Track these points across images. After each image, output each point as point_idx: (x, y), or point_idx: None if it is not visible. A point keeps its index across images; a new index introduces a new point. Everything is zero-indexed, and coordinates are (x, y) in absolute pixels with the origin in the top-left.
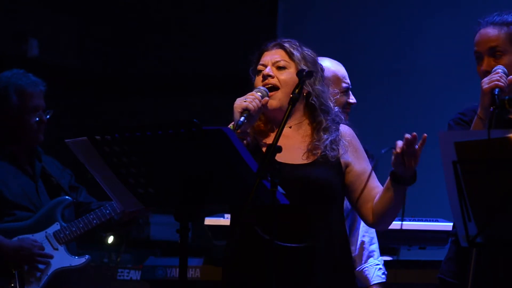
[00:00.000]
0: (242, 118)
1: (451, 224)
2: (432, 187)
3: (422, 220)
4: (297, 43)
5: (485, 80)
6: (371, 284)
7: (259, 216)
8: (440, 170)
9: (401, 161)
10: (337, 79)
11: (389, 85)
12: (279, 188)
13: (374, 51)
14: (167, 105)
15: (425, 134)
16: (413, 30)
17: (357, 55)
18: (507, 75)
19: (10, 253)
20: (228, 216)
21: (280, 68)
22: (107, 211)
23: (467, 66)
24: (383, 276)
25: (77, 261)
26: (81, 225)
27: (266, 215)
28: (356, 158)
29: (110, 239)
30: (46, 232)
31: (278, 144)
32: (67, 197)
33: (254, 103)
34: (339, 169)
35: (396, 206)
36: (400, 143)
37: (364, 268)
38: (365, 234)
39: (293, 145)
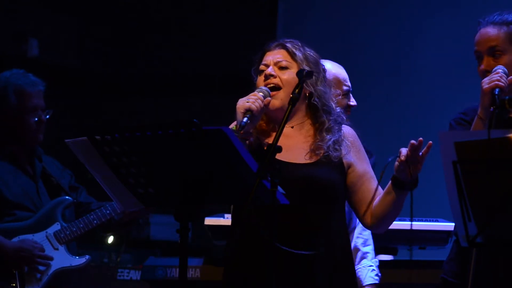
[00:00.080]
0: (245, 119)
1: (451, 224)
2: (432, 187)
3: (422, 220)
4: (300, 44)
5: (485, 80)
6: (364, 285)
7: (261, 216)
8: (440, 170)
9: (404, 168)
10: (338, 82)
11: (389, 85)
12: (279, 188)
13: (374, 51)
14: (167, 105)
15: (431, 142)
16: (413, 30)
17: (357, 55)
18: (507, 75)
19: (11, 253)
20: (228, 216)
21: (282, 68)
22: (108, 211)
23: (467, 66)
24: (376, 277)
25: (78, 261)
26: (81, 225)
27: (269, 215)
28: (358, 159)
29: (110, 239)
30: (46, 232)
31: (280, 144)
32: (67, 197)
33: (256, 104)
34: (341, 169)
35: (396, 210)
36: (404, 151)
37: (357, 269)
38: (359, 235)
39: (296, 145)
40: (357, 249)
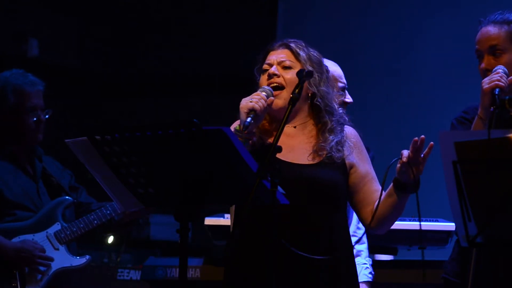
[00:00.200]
0: (249, 119)
1: (451, 224)
2: (432, 187)
3: (422, 220)
4: (303, 44)
5: (486, 80)
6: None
7: (264, 216)
8: (440, 170)
9: (406, 169)
10: (333, 79)
11: (389, 85)
12: (279, 188)
13: (374, 51)
14: (167, 105)
15: (432, 143)
16: (413, 30)
17: (357, 55)
18: (508, 75)
19: (11, 254)
20: (228, 216)
21: (285, 67)
22: (108, 212)
23: (467, 66)
24: (370, 275)
25: (78, 261)
26: (81, 225)
27: (274, 215)
28: (360, 160)
29: (110, 239)
30: (47, 232)
31: (283, 143)
32: (67, 197)
33: (260, 103)
34: (344, 170)
35: (397, 212)
36: (406, 153)
37: None
38: (354, 234)
39: (298, 145)
40: None
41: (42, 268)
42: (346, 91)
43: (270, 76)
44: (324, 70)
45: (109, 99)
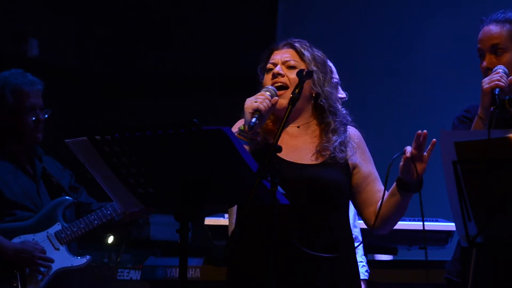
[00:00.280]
0: (253, 119)
1: (451, 224)
2: (432, 187)
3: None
4: (308, 44)
5: (486, 80)
6: None
7: (263, 215)
8: (440, 170)
9: (409, 167)
10: None
11: (389, 85)
12: (279, 188)
13: (374, 51)
14: (167, 105)
15: (434, 140)
16: (413, 30)
17: (357, 55)
18: (508, 75)
19: (11, 254)
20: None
21: (290, 67)
22: (108, 212)
23: (467, 66)
24: (366, 273)
25: (79, 261)
26: (82, 225)
27: (274, 215)
28: (363, 160)
29: (110, 239)
30: (47, 232)
31: (287, 143)
32: (68, 197)
33: (264, 104)
34: (347, 170)
35: (400, 211)
36: (409, 148)
37: None
38: None
39: (302, 145)
40: None
41: (42, 269)
42: (339, 87)
43: (275, 75)
44: (328, 71)
45: (109, 99)
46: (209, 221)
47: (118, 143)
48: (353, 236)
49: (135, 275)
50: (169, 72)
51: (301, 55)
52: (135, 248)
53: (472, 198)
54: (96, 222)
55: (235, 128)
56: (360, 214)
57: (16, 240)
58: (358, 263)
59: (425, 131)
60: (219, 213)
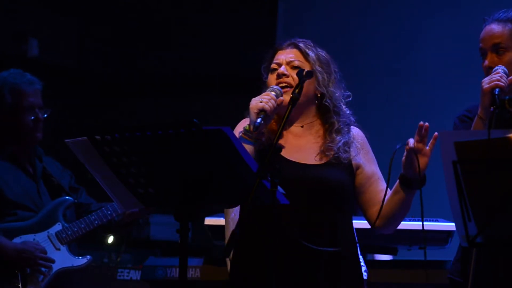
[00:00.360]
0: (259, 119)
1: (451, 224)
2: (432, 187)
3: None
4: (312, 43)
5: (485, 80)
6: None
7: (264, 214)
8: (440, 170)
9: (411, 161)
10: None
11: (389, 85)
12: (279, 188)
13: (374, 51)
14: (167, 105)
15: (436, 133)
16: (413, 30)
17: (357, 55)
18: (508, 75)
19: (13, 254)
20: None
21: (294, 67)
22: (109, 212)
23: (467, 66)
24: (365, 273)
25: (79, 261)
26: (82, 226)
27: (274, 215)
28: (366, 161)
29: (110, 239)
30: (48, 232)
31: (291, 143)
32: (68, 197)
33: (270, 104)
34: (350, 170)
35: (403, 209)
36: (411, 140)
37: None
38: None
39: (306, 145)
40: None
41: (43, 269)
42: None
43: (279, 76)
44: (333, 71)
45: (109, 99)
46: (209, 221)
47: (118, 143)
48: None
49: (135, 275)
50: (169, 72)
51: (305, 55)
52: (135, 248)
53: (472, 198)
54: (96, 222)
55: (239, 128)
56: (364, 214)
57: (17, 240)
58: None
59: (427, 123)
60: (219, 213)
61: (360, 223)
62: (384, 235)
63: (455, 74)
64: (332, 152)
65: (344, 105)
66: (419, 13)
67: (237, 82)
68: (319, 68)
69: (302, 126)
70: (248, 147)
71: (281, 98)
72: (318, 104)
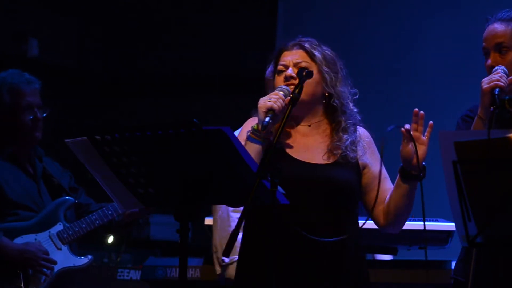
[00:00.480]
0: (267, 118)
1: (451, 224)
2: (432, 187)
3: (422, 220)
4: (317, 42)
5: (485, 80)
6: None
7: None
8: (440, 170)
9: (409, 149)
10: None
11: (389, 85)
12: (279, 188)
13: (374, 51)
14: (167, 105)
15: (431, 122)
16: (413, 30)
17: (357, 55)
18: (508, 75)
19: (14, 254)
20: None
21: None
22: (109, 212)
23: (467, 66)
24: None
25: (81, 261)
26: (83, 225)
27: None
28: (373, 160)
29: (110, 239)
30: (49, 232)
31: (298, 143)
32: (69, 197)
33: (278, 103)
34: (357, 170)
35: (407, 204)
36: (408, 125)
37: None
38: None
39: (313, 144)
40: None
41: (45, 270)
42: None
43: (287, 78)
44: (339, 68)
45: (109, 99)
46: (209, 221)
47: (118, 143)
48: None
49: (135, 275)
50: (169, 72)
51: (311, 56)
52: (135, 248)
53: (472, 198)
54: (97, 222)
55: (247, 127)
56: (370, 213)
57: (19, 240)
58: None
59: (422, 112)
60: None
61: (360, 224)
62: (383, 235)
63: (455, 74)
64: (339, 151)
65: (351, 102)
66: (419, 13)
67: (237, 82)
68: (326, 69)
69: (309, 126)
70: (256, 146)
71: (289, 97)
72: (325, 103)
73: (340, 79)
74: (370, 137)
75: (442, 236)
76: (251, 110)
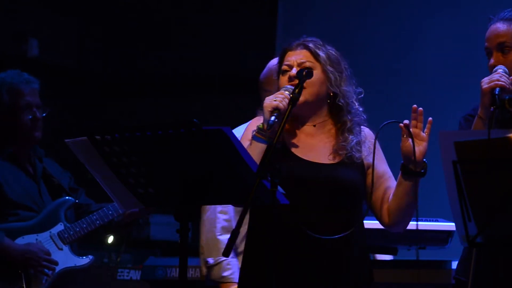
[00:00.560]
0: (273, 118)
1: (451, 224)
2: (432, 187)
3: (422, 220)
4: (321, 42)
5: (485, 79)
6: None
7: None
8: (440, 170)
9: (408, 146)
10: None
11: (389, 85)
12: (279, 188)
13: (374, 51)
14: (167, 105)
15: (430, 118)
16: (413, 30)
17: (357, 55)
18: (508, 75)
19: (16, 255)
20: None
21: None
22: (110, 212)
23: (467, 66)
24: None
25: (82, 261)
26: (84, 226)
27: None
28: (377, 160)
29: (110, 239)
30: (50, 232)
31: (304, 142)
32: (69, 198)
33: (284, 102)
34: (362, 170)
35: (410, 202)
36: (407, 120)
37: None
38: None
39: (318, 144)
40: None
41: (46, 271)
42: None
43: (291, 79)
44: (343, 68)
45: (109, 99)
46: None
47: (118, 143)
48: None
49: (135, 275)
50: (169, 72)
51: (315, 56)
52: (135, 248)
53: (472, 198)
54: (98, 222)
55: (252, 126)
56: (374, 212)
57: (20, 240)
58: None
59: (420, 108)
60: None
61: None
62: (383, 235)
63: (455, 74)
64: (345, 152)
65: (356, 101)
66: (419, 13)
67: (237, 82)
68: (330, 68)
69: (314, 125)
70: (262, 146)
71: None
72: (330, 103)
73: (345, 79)
74: (374, 137)
75: (442, 236)
76: (251, 110)
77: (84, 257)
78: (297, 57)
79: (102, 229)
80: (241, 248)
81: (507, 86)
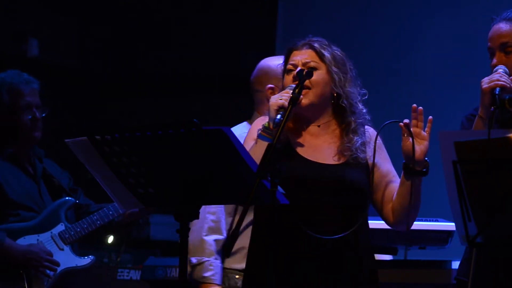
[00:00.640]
0: (278, 116)
1: (451, 224)
2: (432, 187)
3: (422, 220)
4: (326, 42)
5: (485, 79)
6: None
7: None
8: (440, 170)
9: (409, 145)
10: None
11: (389, 85)
12: (279, 188)
13: (374, 51)
14: (167, 105)
15: (431, 117)
16: (413, 30)
17: (357, 55)
18: (508, 75)
19: (18, 255)
20: None
21: (311, 68)
22: (110, 212)
23: (467, 66)
24: None
25: (83, 261)
26: (85, 226)
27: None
28: (381, 160)
29: (110, 239)
30: (51, 232)
31: (308, 143)
32: (70, 198)
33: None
34: (367, 170)
35: (413, 201)
36: (407, 120)
37: None
38: None
39: (323, 145)
40: None
41: (48, 272)
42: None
43: (296, 79)
44: (348, 69)
45: (109, 99)
46: None
47: (118, 143)
48: None
49: (135, 275)
50: (169, 72)
51: (320, 56)
52: (135, 248)
53: (472, 198)
54: (98, 222)
55: (257, 125)
56: (379, 212)
57: (21, 240)
58: None
59: (420, 107)
60: None
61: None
62: (383, 235)
63: (455, 74)
64: (349, 152)
65: (360, 103)
66: (419, 13)
67: (237, 82)
68: (335, 69)
69: (318, 126)
70: (267, 145)
71: (300, 97)
72: (334, 104)
73: (349, 80)
74: (378, 137)
75: (442, 236)
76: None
77: (85, 257)
78: (302, 56)
79: (102, 229)
80: (234, 248)
81: (508, 86)
